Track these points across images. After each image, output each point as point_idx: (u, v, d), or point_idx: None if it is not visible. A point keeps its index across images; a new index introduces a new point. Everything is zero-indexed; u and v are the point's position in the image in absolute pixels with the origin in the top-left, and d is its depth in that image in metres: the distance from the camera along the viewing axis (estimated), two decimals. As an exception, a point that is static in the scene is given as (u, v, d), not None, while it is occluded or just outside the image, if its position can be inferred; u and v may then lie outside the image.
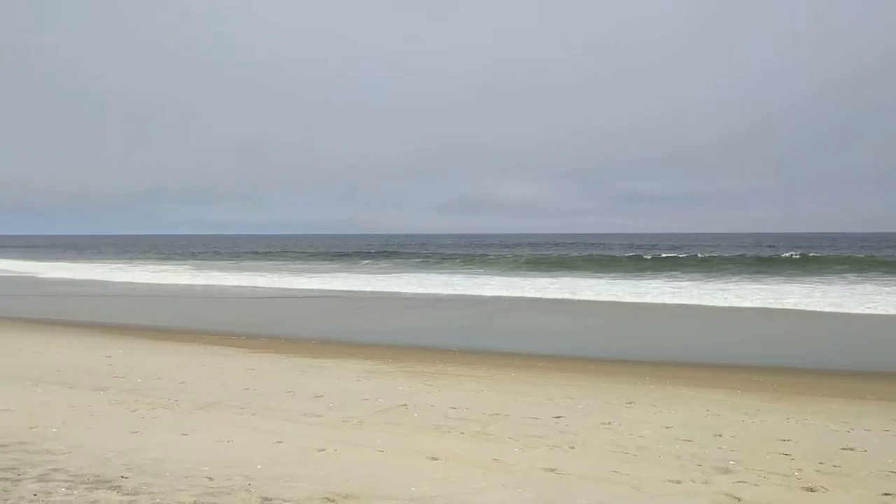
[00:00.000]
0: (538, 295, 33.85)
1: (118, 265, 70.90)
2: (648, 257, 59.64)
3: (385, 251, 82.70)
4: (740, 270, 48.48)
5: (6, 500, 6.00)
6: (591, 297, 32.49)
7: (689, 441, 9.14)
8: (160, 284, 45.06)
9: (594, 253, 63.43)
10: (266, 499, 6.41)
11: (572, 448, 8.75)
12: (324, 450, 8.27)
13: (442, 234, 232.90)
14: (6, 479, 6.59)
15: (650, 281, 42.07)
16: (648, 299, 31.42)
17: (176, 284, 44.89)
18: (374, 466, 7.62)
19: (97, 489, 6.44)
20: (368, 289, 38.98)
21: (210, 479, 6.96)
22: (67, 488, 6.42)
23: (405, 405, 11.18)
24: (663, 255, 61.29)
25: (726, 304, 29.06)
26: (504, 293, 35.15)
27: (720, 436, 9.50)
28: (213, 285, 43.62)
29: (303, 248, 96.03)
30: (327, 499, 6.49)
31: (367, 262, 71.93)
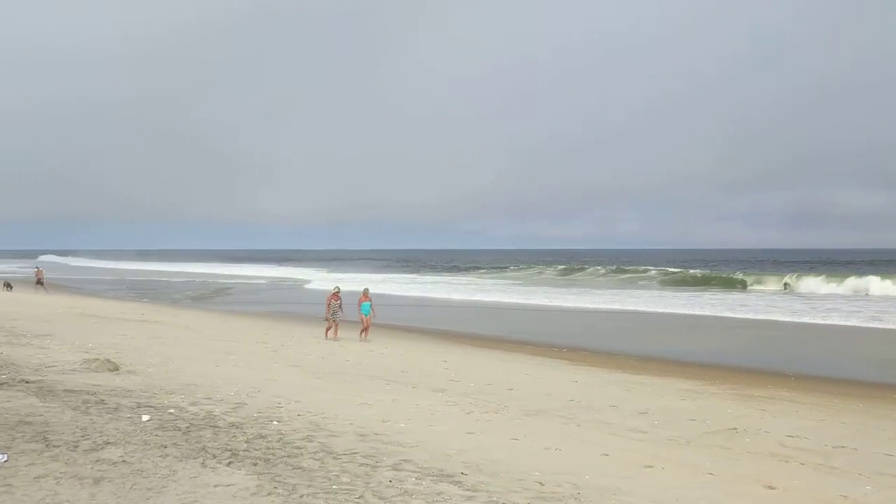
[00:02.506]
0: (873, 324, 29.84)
1: (447, 278, 76.52)
2: None
3: (696, 268, 77.99)
4: None
5: (368, 482, 6.78)
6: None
7: None
8: (484, 299, 47.73)
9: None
10: (595, 509, 6.50)
11: (939, 493, 7.68)
12: (651, 466, 8.18)
13: (771, 248, 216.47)
14: (366, 465, 7.45)
15: None
16: None
17: (499, 301, 47.21)
18: (705, 489, 7.36)
19: (441, 482, 7.01)
20: (675, 311, 37.43)
21: (541, 483, 7.23)
22: (416, 478, 7.08)
23: (735, 429, 10.64)
24: None
25: None
26: (839, 321, 31.64)
27: None
28: (529, 304, 45.11)
29: (621, 264, 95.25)
30: (657, 516, 6.41)
31: (676, 272, 69.27)
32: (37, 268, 48.69)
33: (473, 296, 48.63)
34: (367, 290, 23.45)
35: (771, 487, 7.53)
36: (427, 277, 78.85)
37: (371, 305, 22.45)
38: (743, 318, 32.16)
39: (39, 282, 42.50)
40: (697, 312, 34.91)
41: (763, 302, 39.93)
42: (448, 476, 7.21)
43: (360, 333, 22.13)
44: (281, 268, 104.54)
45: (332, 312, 22.08)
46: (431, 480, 6.99)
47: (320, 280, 69.00)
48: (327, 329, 22.18)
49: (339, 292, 22.80)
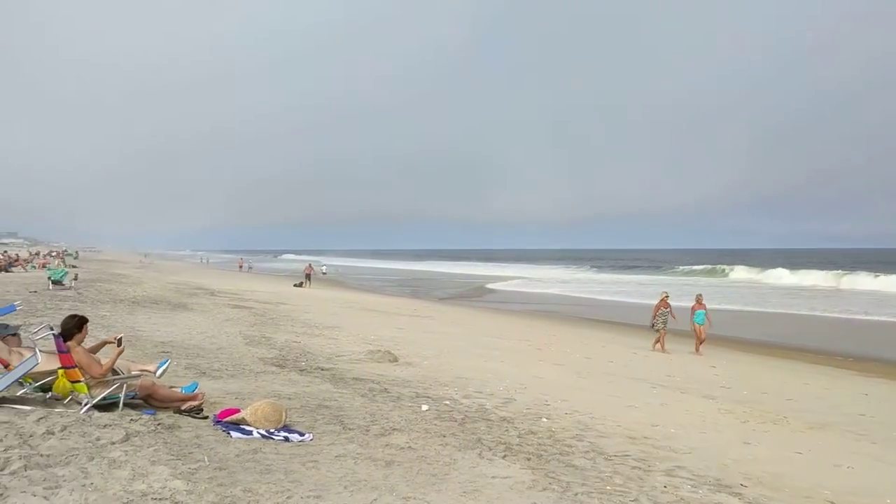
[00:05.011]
0: None
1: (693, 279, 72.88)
2: None
3: None
4: None
5: (641, 486, 6.68)
6: None
7: None
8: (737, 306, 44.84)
9: None
10: (900, 537, 5.87)
11: None
12: (968, 496, 7.20)
13: None
14: (639, 468, 7.34)
15: None
16: None
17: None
18: None
19: (719, 492, 6.72)
20: None
21: (832, 503, 6.67)
22: (692, 486, 6.84)
23: None
24: None
25: None
26: None
27: None
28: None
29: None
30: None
31: None
32: (308, 264, 54.05)
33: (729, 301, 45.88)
34: (699, 296, 21.01)
35: None
36: (669, 279, 75.70)
37: (706, 314, 20.19)
38: None
39: (307, 276, 47.51)
40: None
41: None
42: (726, 486, 6.90)
43: (697, 347, 19.90)
44: (528, 267, 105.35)
45: (663, 321, 20.05)
46: (708, 489, 6.73)
47: (567, 281, 69.10)
48: (656, 340, 20.15)
49: (667, 298, 20.56)
